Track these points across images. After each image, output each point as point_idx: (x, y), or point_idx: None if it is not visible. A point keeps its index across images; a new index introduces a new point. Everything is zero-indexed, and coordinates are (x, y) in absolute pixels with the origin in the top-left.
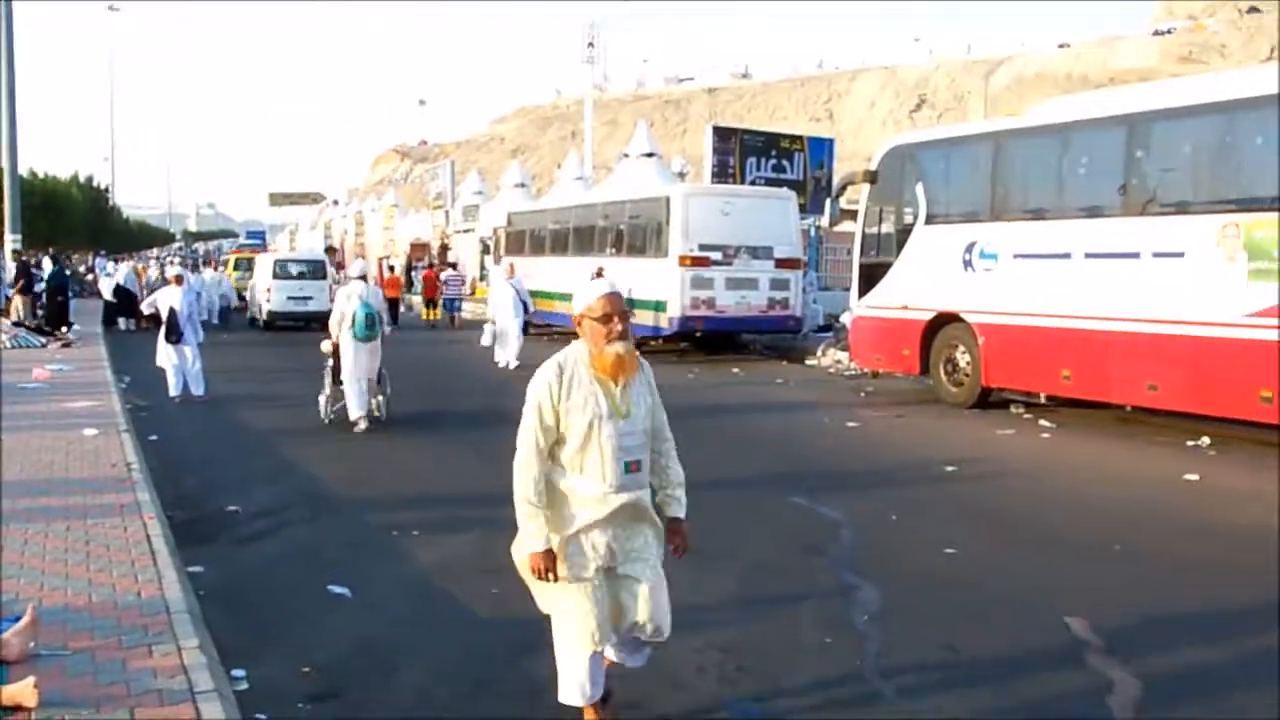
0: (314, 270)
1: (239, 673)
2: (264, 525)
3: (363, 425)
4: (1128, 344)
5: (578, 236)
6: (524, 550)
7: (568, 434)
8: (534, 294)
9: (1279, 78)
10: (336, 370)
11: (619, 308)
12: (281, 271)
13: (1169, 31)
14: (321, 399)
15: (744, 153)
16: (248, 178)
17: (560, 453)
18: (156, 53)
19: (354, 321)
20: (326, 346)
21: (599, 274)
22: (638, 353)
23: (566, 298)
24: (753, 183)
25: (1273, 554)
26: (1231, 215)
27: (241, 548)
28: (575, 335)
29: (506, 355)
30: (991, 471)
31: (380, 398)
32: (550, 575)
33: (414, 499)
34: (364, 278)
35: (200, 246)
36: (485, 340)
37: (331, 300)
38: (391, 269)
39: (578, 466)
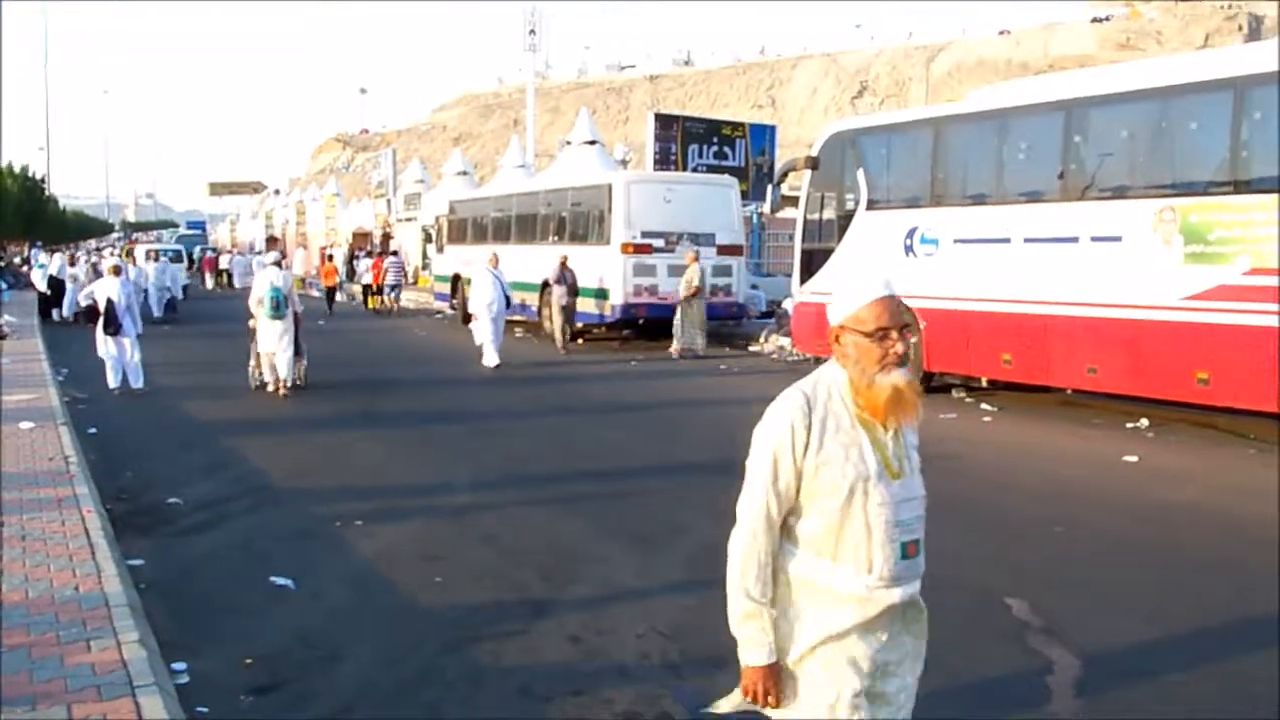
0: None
1: (179, 666)
2: (205, 517)
3: (281, 391)
4: (1067, 327)
5: (520, 224)
6: (742, 661)
7: (815, 500)
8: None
9: (1211, 64)
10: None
11: (899, 318)
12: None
13: (1107, 19)
14: (250, 366)
15: (686, 140)
16: (188, 167)
17: (799, 526)
18: (93, 39)
19: (265, 301)
20: (251, 324)
21: (563, 264)
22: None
23: (512, 286)
24: (695, 170)
25: (1210, 534)
26: (1168, 200)
27: (183, 540)
28: (522, 324)
29: (493, 351)
30: (934, 454)
31: (300, 367)
32: (770, 700)
33: (356, 489)
34: (277, 264)
35: (139, 236)
36: (478, 339)
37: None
38: (330, 258)
39: (828, 548)
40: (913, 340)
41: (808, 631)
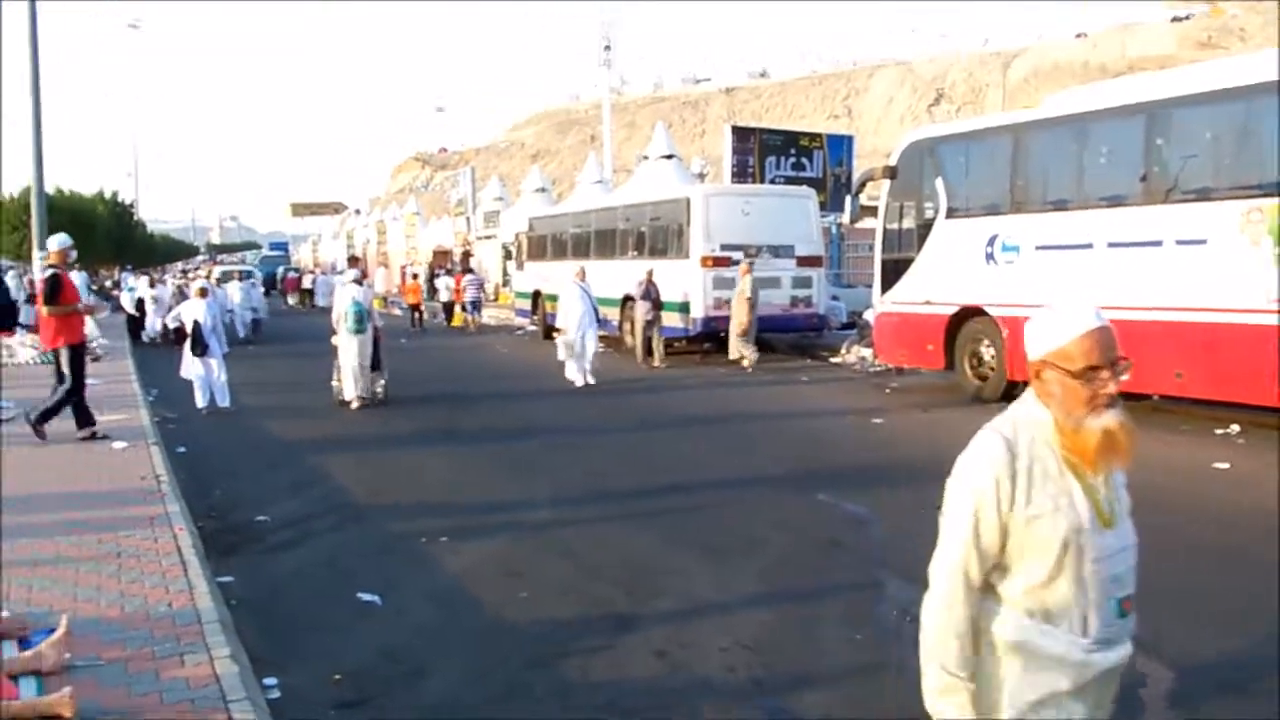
0: None
1: (270, 681)
2: (292, 534)
3: (355, 405)
4: (1153, 333)
5: (599, 240)
6: None
7: (1023, 558)
8: (555, 298)
9: None
10: None
11: (1111, 353)
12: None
13: (1187, 17)
14: (334, 382)
15: (763, 152)
16: (270, 189)
17: (1004, 584)
18: (178, 68)
19: (347, 317)
20: (334, 340)
21: (649, 279)
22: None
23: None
24: (772, 181)
25: None
26: (1255, 200)
27: (271, 557)
28: (603, 339)
29: (580, 371)
30: None
31: (380, 382)
32: None
33: (439, 506)
34: (358, 282)
35: (224, 258)
36: (561, 355)
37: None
38: (415, 276)
39: (1039, 608)
40: (1123, 377)
41: (1014, 699)
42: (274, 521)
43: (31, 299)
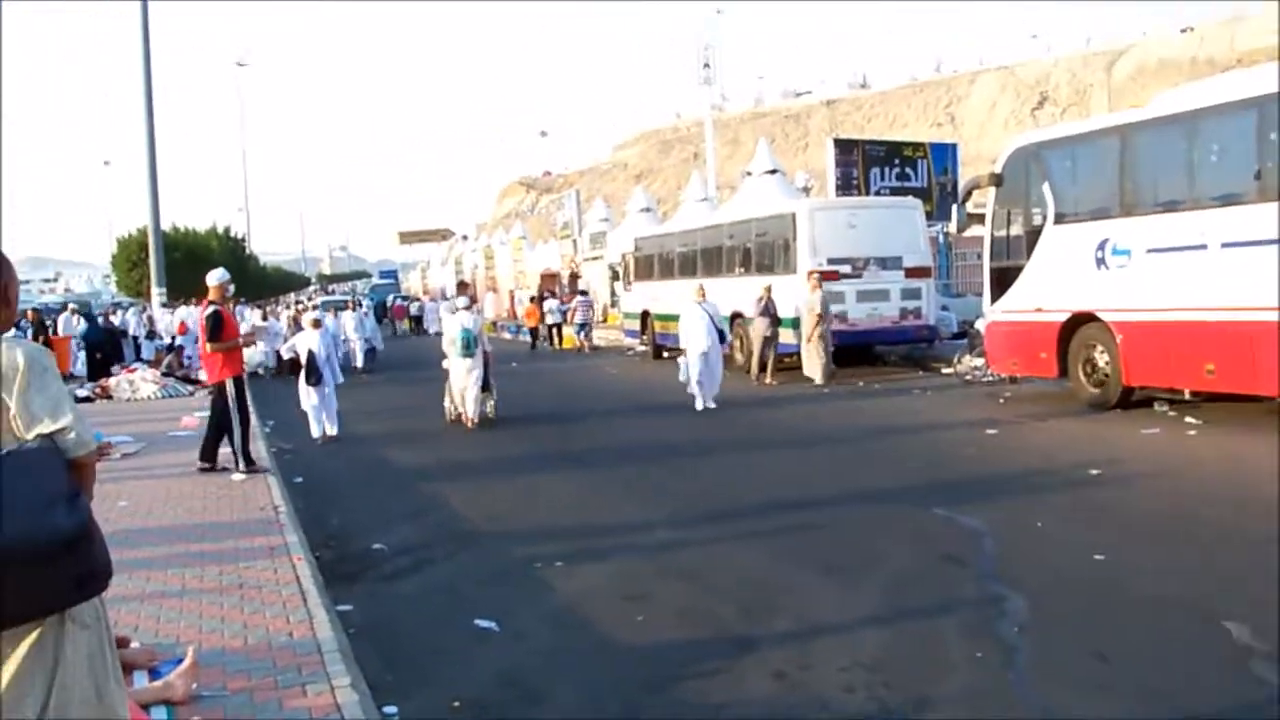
0: None
1: (391, 709)
2: (408, 562)
3: (468, 425)
4: (1272, 333)
5: (705, 258)
6: None
7: None
8: (663, 317)
9: None
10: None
11: None
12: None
13: None
14: (445, 403)
15: (867, 163)
16: (378, 218)
17: None
18: (285, 103)
19: (456, 342)
20: (445, 364)
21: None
22: None
23: None
24: (878, 193)
25: None
26: None
27: (388, 585)
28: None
29: (705, 394)
30: (1138, 473)
31: (489, 403)
32: None
33: (554, 530)
34: (468, 307)
35: (335, 288)
36: (683, 376)
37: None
38: (533, 299)
39: None
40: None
41: None
42: (390, 549)
43: (151, 334)
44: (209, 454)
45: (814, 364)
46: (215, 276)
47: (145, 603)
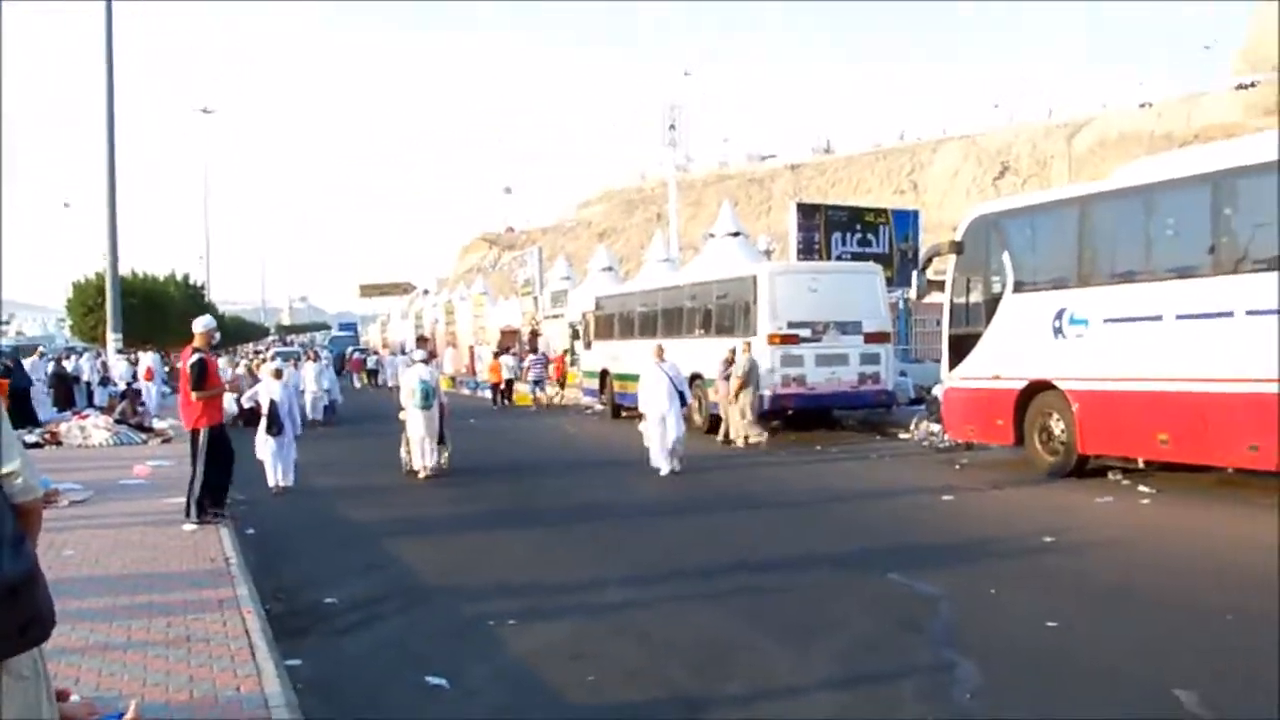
0: None
1: None
2: (360, 616)
3: (422, 474)
4: (1225, 405)
5: (666, 318)
6: None
7: None
8: (622, 377)
9: None
10: None
11: None
12: None
13: (1252, 85)
14: (402, 453)
15: (829, 228)
16: (339, 270)
17: None
18: (249, 151)
19: (415, 394)
20: (401, 416)
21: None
22: None
23: None
24: (839, 258)
25: None
26: None
27: (339, 639)
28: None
29: (664, 456)
30: (1091, 541)
31: (445, 455)
32: None
33: (508, 587)
34: (426, 361)
35: (293, 339)
36: (647, 440)
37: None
38: (496, 354)
39: None
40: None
41: None
42: (342, 603)
43: (105, 380)
44: (206, 503)
45: (745, 428)
46: (201, 324)
47: (88, 655)
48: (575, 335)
